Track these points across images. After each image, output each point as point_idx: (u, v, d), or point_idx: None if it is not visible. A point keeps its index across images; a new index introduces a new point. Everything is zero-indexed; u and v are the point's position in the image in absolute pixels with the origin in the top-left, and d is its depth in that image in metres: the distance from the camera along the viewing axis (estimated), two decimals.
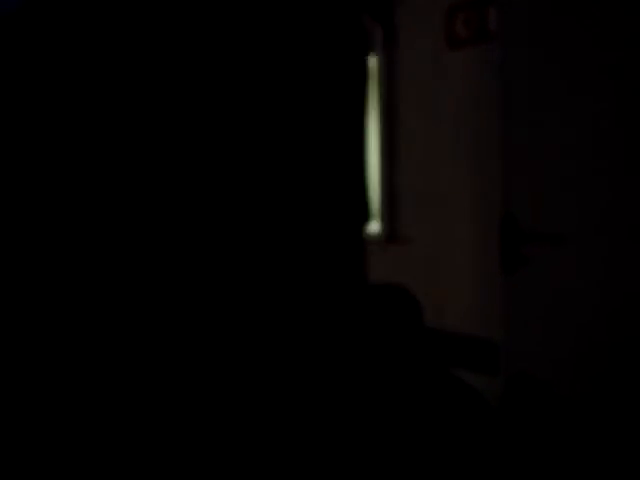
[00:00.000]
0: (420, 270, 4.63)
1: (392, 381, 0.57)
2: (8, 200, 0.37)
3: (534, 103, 3.32)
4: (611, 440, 2.66)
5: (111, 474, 0.39)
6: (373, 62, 5.04)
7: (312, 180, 0.36)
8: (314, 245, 0.37)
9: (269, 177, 0.36)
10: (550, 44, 3.23)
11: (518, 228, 3.38)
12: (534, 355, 3.26)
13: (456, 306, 4.32)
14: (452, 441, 0.58)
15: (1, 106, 0.40)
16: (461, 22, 4.31)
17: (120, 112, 0.37)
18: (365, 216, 0.42)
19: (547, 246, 3.27)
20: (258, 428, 0.38)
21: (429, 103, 4.63)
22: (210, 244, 0.35)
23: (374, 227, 5.14)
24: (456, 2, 4.31)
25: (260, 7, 0.38)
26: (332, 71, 0.40)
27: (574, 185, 3.16)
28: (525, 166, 3.35)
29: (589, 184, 3.11)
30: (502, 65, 3.45)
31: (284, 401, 0.38)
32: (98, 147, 0.37)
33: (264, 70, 0.38)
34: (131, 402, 0.38)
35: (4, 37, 0.41)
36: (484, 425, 0.61)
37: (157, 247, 0.35)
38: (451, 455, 0.56)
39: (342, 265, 0.38)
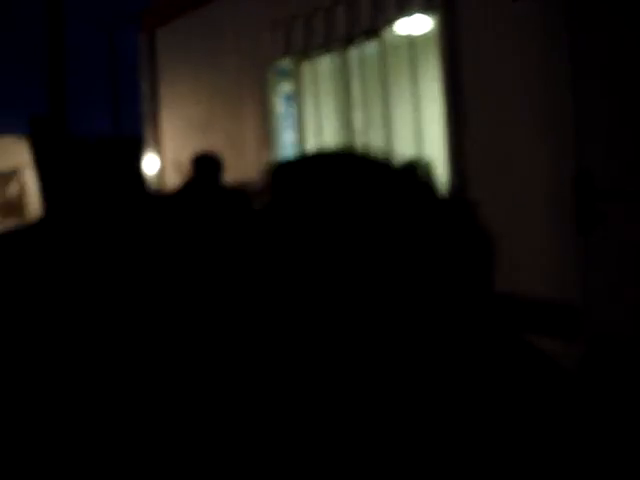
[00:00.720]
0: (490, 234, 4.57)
1: (463, 348, 0.70)
2: None
3: (609, 57, 3.21)
4: None
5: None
6: (433, 23, 5.00)
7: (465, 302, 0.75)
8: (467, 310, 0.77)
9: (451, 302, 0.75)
10: None
11: (593, 186, 3.31)
12: (614, 315, 3.20)
13: (530, 269, 4.26)
14: (520, 407, 0.65)
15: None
16: None
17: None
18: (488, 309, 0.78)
19: (624, 203, 3.19)
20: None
21: (493, 63, 4.54)
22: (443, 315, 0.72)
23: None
24: None
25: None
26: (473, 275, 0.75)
27: None
28: (600, 123, 3.26)
29: None
30: (571, 16, 3.34)
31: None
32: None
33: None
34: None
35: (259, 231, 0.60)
36: (557, 391, 0.63)
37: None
38: (519, 421, 0.62)
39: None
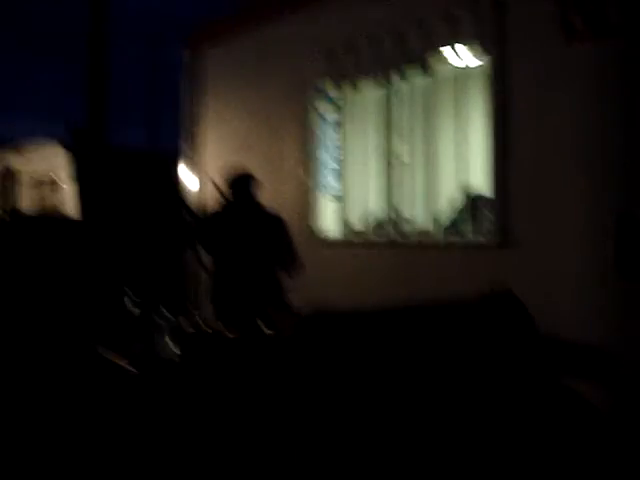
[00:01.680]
0: (532, 275, 4.53)
1: (503, 390, 0.74)
2: None
3: None
4: None
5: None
6: (484, 55, 5.02)
7: None
8: None
9: None
10: None
11: (637, 229, 3.26)
12: None
13: (571, 312, 4.17)
14: (557, 450, 0.69)
15: None
16: (578, 15, 4.19)
17: None
18: None
19: None
20: None
21: (542, 100, 4.54)
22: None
23: (485, 229, 5.15)
24: None
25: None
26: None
27: None
28: None
29: None
30: (626, 61, 3.32)
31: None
32: None
33: None
34: None
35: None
36: (591, 433, 0.66)
37: None
38: (554, 462, 0.68)
39: None
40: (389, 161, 5.78)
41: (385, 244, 5.75)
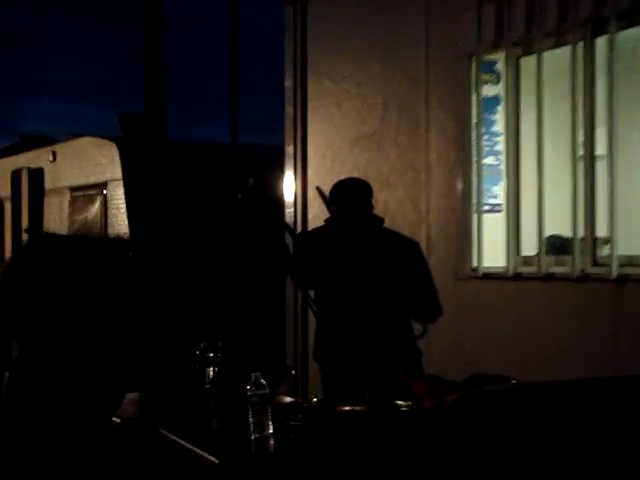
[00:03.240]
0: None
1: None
2: None
3: None
4: None
5: None
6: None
7: None
8: None
9: None
10: None
11: None
12: None
13: None
14: None
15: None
16: None
17: None
18: None
19: None
20: None
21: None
22: None
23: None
24: None
25: None
26: None
27: None
28: None
29: None
30: None
31: None
32: None
33: None
34: None
35: None
36: None
37: None
38: None
39: None
40: (578, 157, 5.67)
41: (572, 277, 5.64)
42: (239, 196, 6.46)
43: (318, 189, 5.97)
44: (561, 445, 2.23)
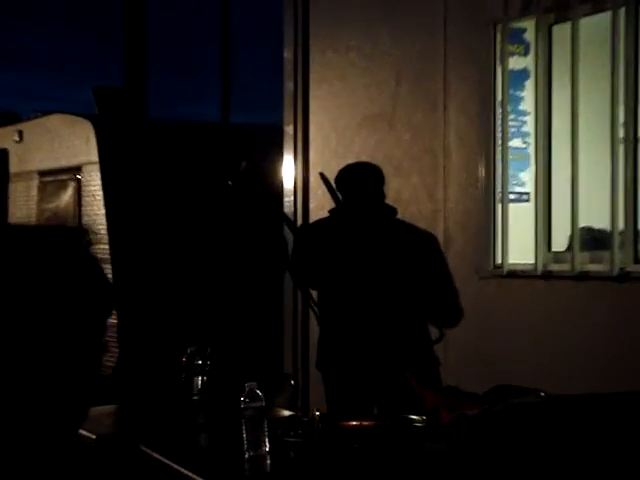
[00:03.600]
0: None
1: None
2: None
3: None
4: None
5: None
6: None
7: None
8: None
9: None
10: None
11: None
12: None
13: None
14: None
15: None
16: None
17: None
18: None
19: None
20: None
21: None
22: None
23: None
24: None
25: None
26: None
27: None
28: None
29: None
30: None
31: None
32: None
33: None
34: None
35: None
36: None
37: None
38: None
39: None
40: (618, 139, 5.64)
41: (609, 276, 5.64)
42: (230, 182, 6.43)
43: (322, 176, 5.97)
44: (593, 464, 2.25)
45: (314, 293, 5.83)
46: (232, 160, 7.72)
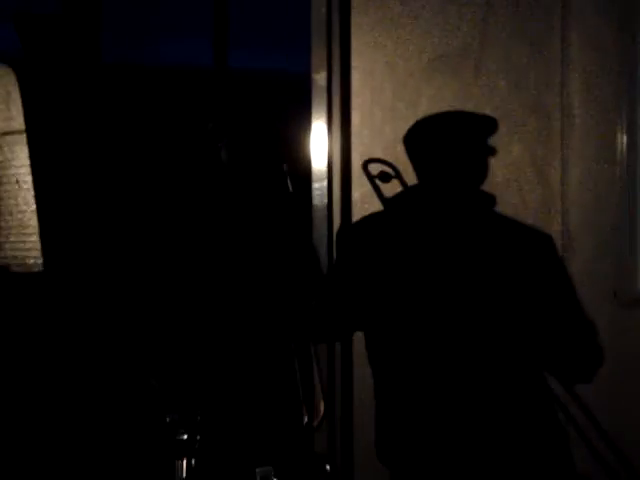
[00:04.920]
0: None
1: None
2: None
3: None
4: None
5: None
6: None
7: None
8: None
9: None
10: None
11: None
12: None
13: None
14: None
15: None
16: None
17: None
18: None
19: None
20: None
21: None
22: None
23: None
24: None
25: None
26: None
27: None
28: None
29: None
30: None
31: None
32: None
33: None
34: None
35: None
36: None
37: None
38: None
39: None
40: None
41: None
42: (219, 145, 6.54)
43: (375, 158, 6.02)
44: None
45: (359, 337, 5.73)
46: (224, 120, 7.84)
